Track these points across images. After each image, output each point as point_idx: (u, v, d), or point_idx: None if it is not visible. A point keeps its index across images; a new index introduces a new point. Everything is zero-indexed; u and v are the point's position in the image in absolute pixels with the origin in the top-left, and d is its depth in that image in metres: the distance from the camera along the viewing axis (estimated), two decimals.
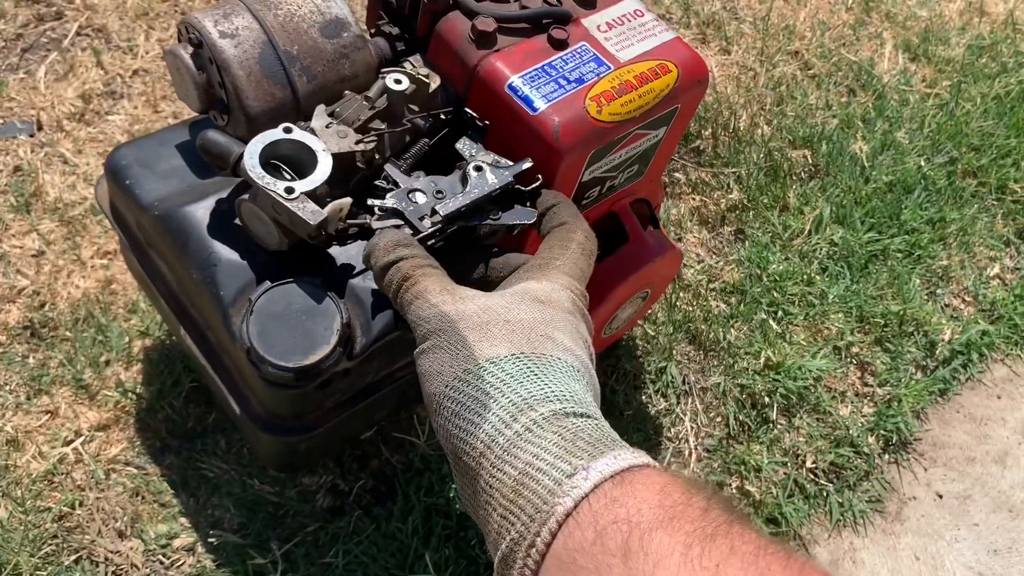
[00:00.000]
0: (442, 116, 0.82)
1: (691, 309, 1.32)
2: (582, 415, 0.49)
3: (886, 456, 1.30)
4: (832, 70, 1.72)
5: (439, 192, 0.74)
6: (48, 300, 1.11)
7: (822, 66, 1.72)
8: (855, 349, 1.36)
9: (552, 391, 0.51)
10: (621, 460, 0.44)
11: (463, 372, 0.52)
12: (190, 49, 0.79)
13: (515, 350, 0.53)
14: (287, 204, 0.69)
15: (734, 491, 1.19)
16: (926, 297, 1.46)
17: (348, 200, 0.72)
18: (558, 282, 0.63)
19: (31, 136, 1.27)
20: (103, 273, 1.14)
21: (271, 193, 0.69)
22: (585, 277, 0.67)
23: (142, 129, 1.30)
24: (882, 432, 1.30)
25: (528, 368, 0.52)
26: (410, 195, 0.74)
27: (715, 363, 1.29)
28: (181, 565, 0.98)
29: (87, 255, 1.16)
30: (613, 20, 0.85)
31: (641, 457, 0.46)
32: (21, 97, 1.31)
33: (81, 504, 0.99)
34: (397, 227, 0.71)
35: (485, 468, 0.48)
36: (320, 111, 0.78)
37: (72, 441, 1.02)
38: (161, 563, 0.98)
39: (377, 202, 0.73)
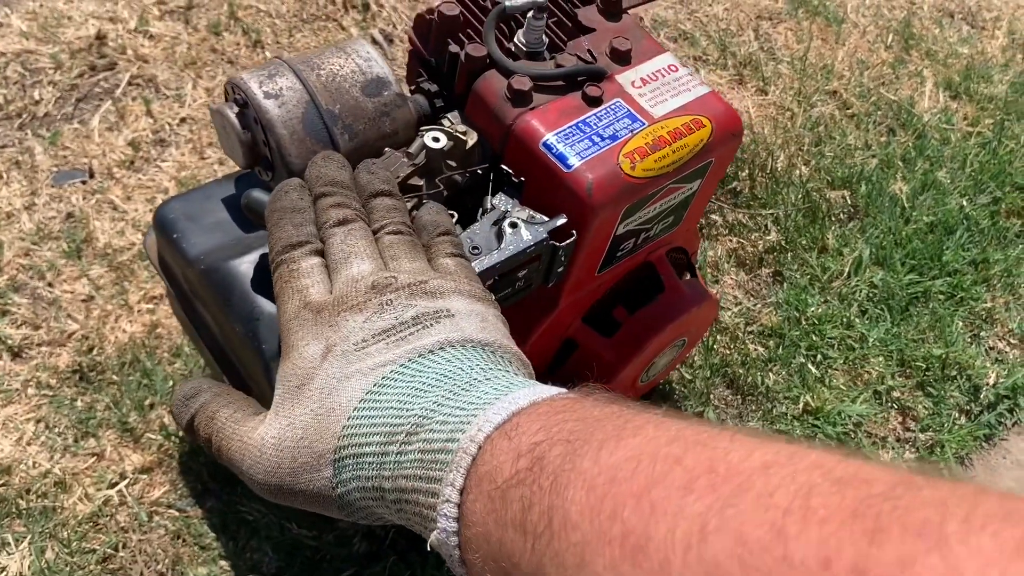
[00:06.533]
0: (479, 172, 0.84)
1: (729, 352, 1.32)
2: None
3: None
4: (871, 109, 1.72)
5: (475, 248, 0.76)
6: (96, 344, 1.15)
7: (861, 106, 1.71)
8: (896, 394, 1.34)
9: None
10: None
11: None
12: (235, 109, 0.82)
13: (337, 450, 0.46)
14: None
15: None
16: (969, 340, 1.43)
17: None
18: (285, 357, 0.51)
19: (84, 183, 1.31)
20: (149, 318, 1.18)
21: None
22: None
23: (189, 176, 1.34)
24: None
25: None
26: None
27: (753, 408, 1.28)
28: None
29: (134, 300, 1.19)
30: (647, 76, 0.87)
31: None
32: (75, 146, 1.35)
33: (124, 546, 1.01)
34: None
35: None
36: None
37: (117, 484, 1.05)
38: None
39: None
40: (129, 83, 1.45)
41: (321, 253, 0.54)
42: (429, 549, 0.41)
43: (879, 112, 1.72)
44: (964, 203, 1.58)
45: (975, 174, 1.63)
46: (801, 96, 1.70)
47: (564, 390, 0.42)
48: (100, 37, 1.49)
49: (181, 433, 1.09)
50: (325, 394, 0.46)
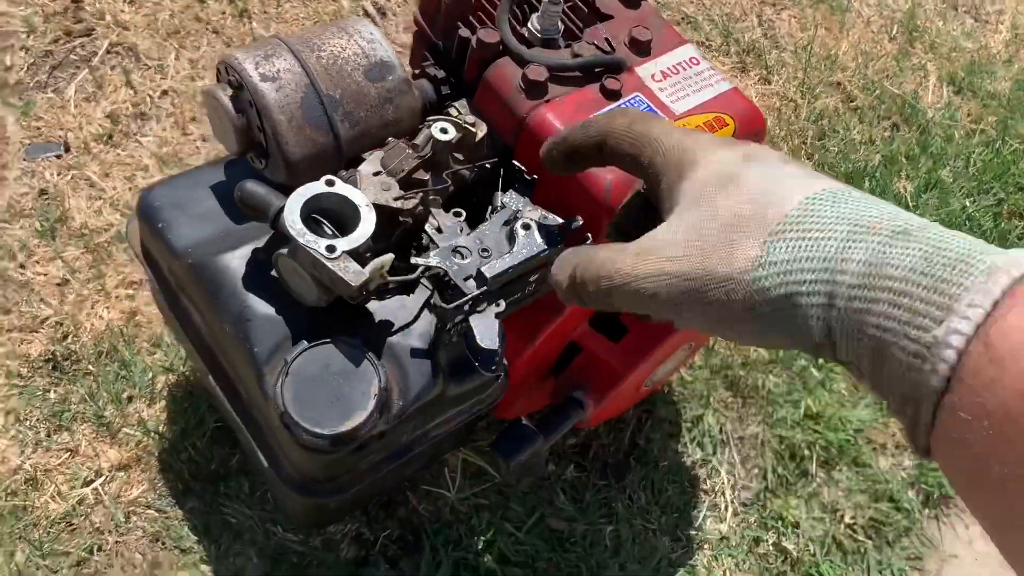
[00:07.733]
0: (488, 166, 0.79)
1: (729, 353, 1.28)
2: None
3: (927, 511, 1.25)
4: (875, 103, 1.68)
5: (484, 250, 0.71)
6: (71, 331, 1.09)
7: (864, 99, 1.67)
8: None
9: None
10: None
11: (744, 300, 0.40)
12: (229, 91, 0.76)
13: (767, 238, 0.40)
14: (328, 264, 0.66)
15: (771, 547, 1.15)
16: None
17: (390, 256, 0.69)
18: (709, 157, 0.45)
19: (59, 158, 1.24)
20: (128, 304, 1.12)
21: (312, 251, 0.66)
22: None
23: (170, 152, 1.27)
24: (923, 486, 1.25)
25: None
26: (454, 253, 0.70)
27: (753, 411, 1.24)
28: None
29: (112, 284, 1.13)
30: (668, 69, 0.82)
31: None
32: (49, 117, 1.28)
33: (100, 549, 0.96)
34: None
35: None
36: (374, 158, 0.75)
37: (92, 481, 0.99)
38: None
39: (420, 260, 0.70)
40: (107, 51, 1.37)
41: None
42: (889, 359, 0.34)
43: (883, 106, 1.68)
44: (967, 203, 1.55)
45: (978, 174, 1.60)
46: (805, 87, 1.65)
47: None
48: (76, 0, 1.41)
49: (161, 428, 1.03)
50: (761, 185, 0.41)
